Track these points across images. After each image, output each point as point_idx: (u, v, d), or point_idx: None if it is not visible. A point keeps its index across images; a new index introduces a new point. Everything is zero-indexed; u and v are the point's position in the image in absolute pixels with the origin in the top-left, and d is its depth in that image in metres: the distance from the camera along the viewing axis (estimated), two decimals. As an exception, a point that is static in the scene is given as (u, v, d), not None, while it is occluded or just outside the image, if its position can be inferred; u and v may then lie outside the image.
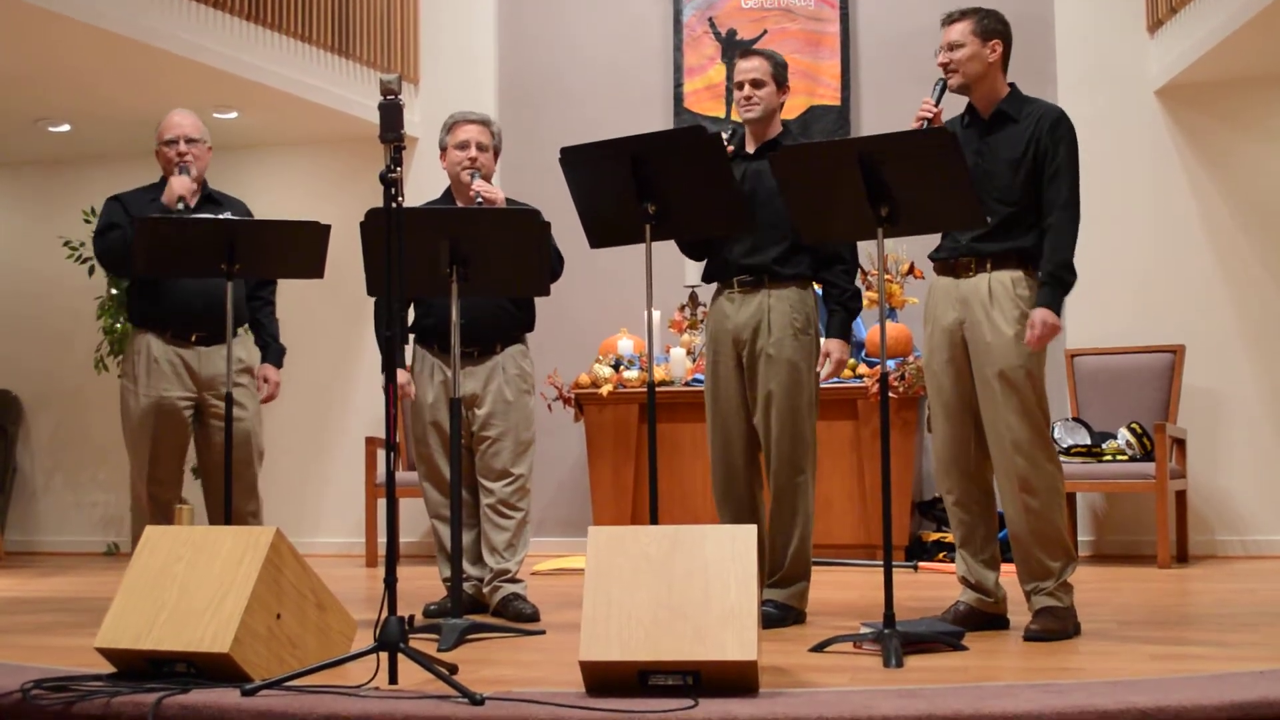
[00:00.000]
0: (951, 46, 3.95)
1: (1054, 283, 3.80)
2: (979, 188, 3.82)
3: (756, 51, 4.36)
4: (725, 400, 4.31)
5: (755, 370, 4.24)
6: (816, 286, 4.39)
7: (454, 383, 4.09)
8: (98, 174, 7.96)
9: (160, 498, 4.66)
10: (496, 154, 4.71)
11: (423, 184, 7.16)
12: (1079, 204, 3.86)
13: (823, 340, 4.32)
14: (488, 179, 4.61)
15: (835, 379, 6.36)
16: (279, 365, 4.86)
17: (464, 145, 4.59)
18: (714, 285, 4.43)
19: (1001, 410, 3.83)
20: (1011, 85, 4.02)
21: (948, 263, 3.97)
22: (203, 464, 4.73)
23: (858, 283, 4.35)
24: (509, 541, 4.52)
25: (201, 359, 4.64)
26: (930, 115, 3.82)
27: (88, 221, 7.55)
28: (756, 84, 4.28)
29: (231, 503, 4.43)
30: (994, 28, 3.96)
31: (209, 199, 4.79)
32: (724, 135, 3.99)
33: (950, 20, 3.99)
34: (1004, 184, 3.90)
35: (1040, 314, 3.77)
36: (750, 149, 4.35)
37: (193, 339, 4.63)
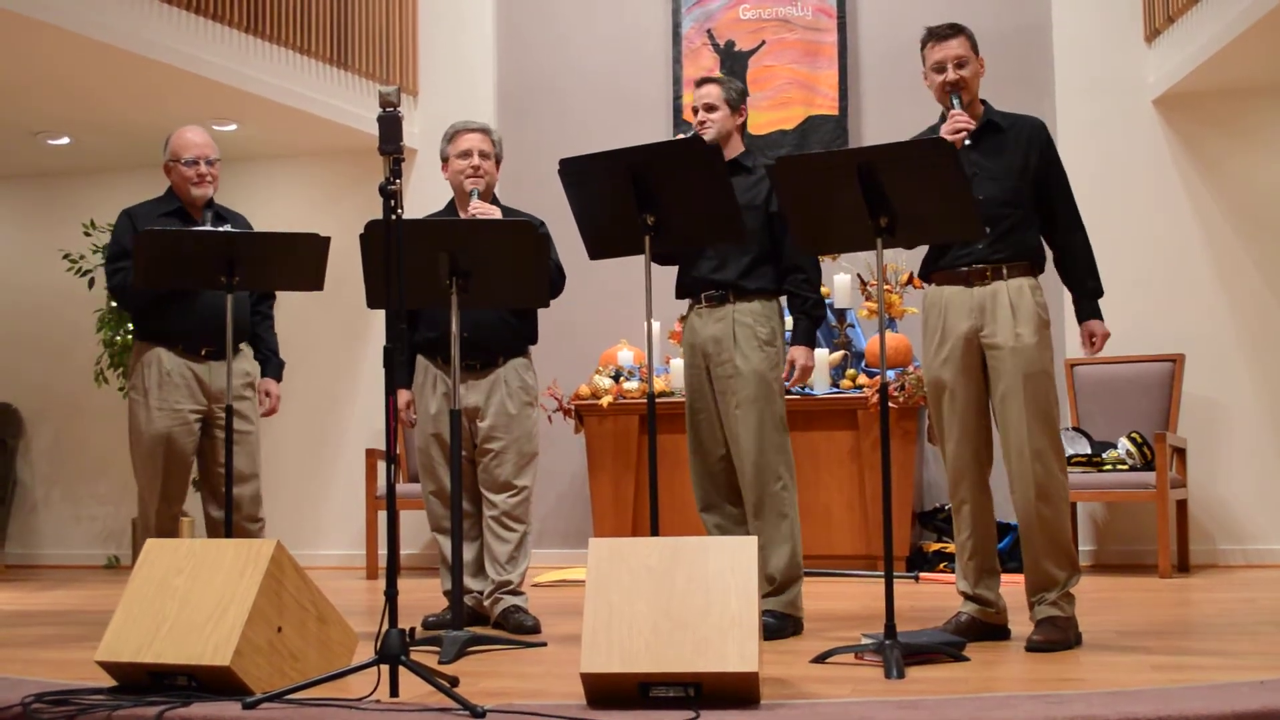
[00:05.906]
0: (959, 63, 3.94)
1: (1097, 295, 4.04)
2: (984, 196, 3.84)
3: (711, 79, 4.46)
4: (703, 412, 4.36)
5: (724, 383, 4.28)
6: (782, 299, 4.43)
7: (454, 395, 4.10)
8: (97, 187, 7.99)
9: (170, 512, 4.66)
10: (498, 162, 4.69)
11: (422, 196, 7.16)
12: None
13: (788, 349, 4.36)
14: (491, 188, 4.62)
15: (834, 389, 6.43)
16: (279, 379, 4.88)
17: (466, 154, 4.57)
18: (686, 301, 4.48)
19: (1023, 417, 3.82)
20: (981, 98, 4.07)
21: (959, 271, 3.95)
22: (207, 476, 4.72)
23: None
24: (511, 554, 4.53)
25: (212, 372, 4.63)
26: (970, 126, 3.84)
27: (87, 234, 7.57)
28: (709, 108, 4.36)
29: (233, 515, 4.45)
30: (975, 41, 4.02)
31: (217, 215, 4.78)
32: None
33: (943, 36, 3.98)
34: (1010, 190, 3.92)
35: (1100, 325, 4.02)
36: None
37: (203, 353, 4.63)
